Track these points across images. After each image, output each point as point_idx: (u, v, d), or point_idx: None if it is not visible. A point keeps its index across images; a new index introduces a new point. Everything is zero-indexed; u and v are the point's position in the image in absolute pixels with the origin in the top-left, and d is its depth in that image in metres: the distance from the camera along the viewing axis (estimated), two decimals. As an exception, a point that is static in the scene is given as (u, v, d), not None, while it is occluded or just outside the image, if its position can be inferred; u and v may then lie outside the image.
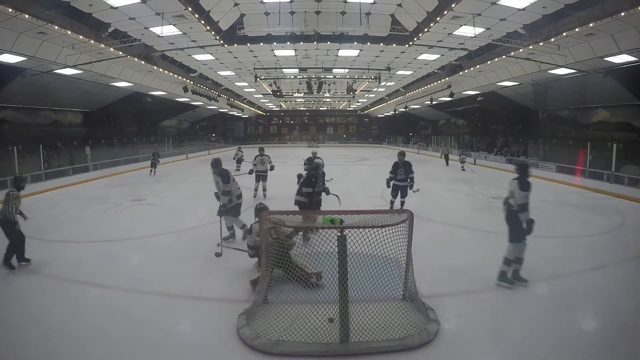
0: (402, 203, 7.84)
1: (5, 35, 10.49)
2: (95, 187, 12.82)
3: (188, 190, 12.23)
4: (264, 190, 10.21)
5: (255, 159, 10.29)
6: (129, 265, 5.42)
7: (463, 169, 17.90)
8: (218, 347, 3.30)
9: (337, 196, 6.67)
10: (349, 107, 43.16)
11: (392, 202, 8.09)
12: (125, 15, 11.31)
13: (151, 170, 15.89)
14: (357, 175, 16.28)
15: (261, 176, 10.17)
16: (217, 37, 13.08)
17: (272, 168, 10.29)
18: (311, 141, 45.35)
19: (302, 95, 26.33)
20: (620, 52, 11.71)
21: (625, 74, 14.00)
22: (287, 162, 24.05)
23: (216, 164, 6.20)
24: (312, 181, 6.27)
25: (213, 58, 17.06)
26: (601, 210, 9.00)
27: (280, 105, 42.07)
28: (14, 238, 5.07)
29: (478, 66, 16.42)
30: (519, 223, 4.33)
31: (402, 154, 8.08)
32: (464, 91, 21.98)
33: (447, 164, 20.94)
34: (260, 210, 4.84)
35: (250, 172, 10.23)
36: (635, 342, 3.37)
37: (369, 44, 14.31)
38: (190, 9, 10.73)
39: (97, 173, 15.58)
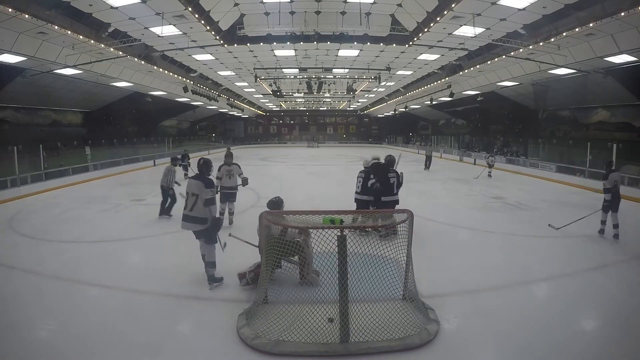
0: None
1: (5, 35, 10.49)
2: (95, 187, 12.82)
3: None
4: (231, 214, 7.25)
5: (219, 170, 7.11)
6: (129, 265, 5.41)
7: (490, 175, 15.24)
8: (218, 347, 3.30)
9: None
10: (349, 107, 43.15)
11: None
12: (125, 15, 11.31)
13: (185, 174, 14.43)
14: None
15: (228, 194, 7.13)
16: (217, 37, 13.08)
17: (244, 182, 7.11)
18: (311, 141, 45.36)
19: (302, 95, 26.34)
20: (620, 52, 11.70)
21: (625, 74, 14.00)
22: (287, 162, 24.13)
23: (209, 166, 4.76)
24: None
25: (213, 58, 17.05)
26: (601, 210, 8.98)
27: (280, 105, 42.05)
28: (171, 199, 8.04)
29: (478, 66, 16.42)
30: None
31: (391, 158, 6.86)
32: (464, 91, 21.97)
33: (428, 167, 18.33)
34: (276, 203, 4.71)
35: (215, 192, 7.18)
36: (636, 342, 3.37)
37: (369, 44, 14.31)
38: (190, 9, 10.73)
39: (97, 173, 15.57)
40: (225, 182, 7.10)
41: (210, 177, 4.72)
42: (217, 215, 4.64)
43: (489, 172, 15.49)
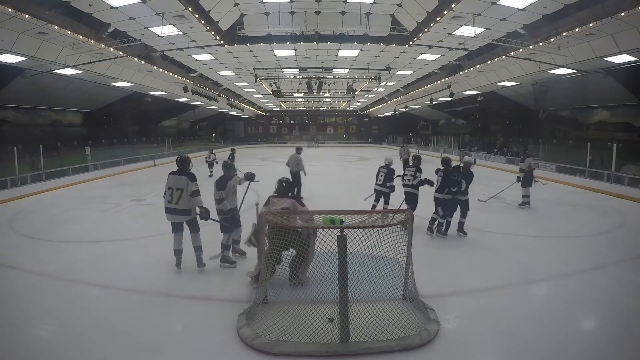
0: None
1: (5, 35, 10.48)
2: (95, 187, 12.82)
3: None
4: (237, 242, 5.37)
5: (224, 188, 5.03)
6: (129, 265, 5.41)
7: (536, 181, 12.69)
8: (218, 347, 3.30)
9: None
10: (349, 107, 43.11)
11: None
12: (125, 15, 11.30)
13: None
14: (357, 175, 16.28)
15: (237, 218, 5.32)
16: (217, 37, 13.07)
17: (251, 178, 5.57)
18: (311, 141, 45.33)
19: (302, 95, 26.32)
20: (620, 52, 11.69)
21: (625, 74, 13.99)
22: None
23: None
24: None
25: (213, 58, 17.05)
26: (601, 210, 9.00)
27: (280, 105, 42.03)
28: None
29: (478, 66, 16.41)
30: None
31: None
32: (464, 91, 21.97)
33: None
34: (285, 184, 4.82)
35: (209, 215, 4.83)
36: (636, 342, 3.38)
37: (369, 44, 14.30)
38: (190, 9, 10.73)
39: (97, 173, 15.56)
40: (232, 201, 5.18)
41: (200, 198, 4.82)
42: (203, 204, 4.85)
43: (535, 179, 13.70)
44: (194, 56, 16.66)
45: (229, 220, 5.11)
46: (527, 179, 9.02)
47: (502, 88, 20.54)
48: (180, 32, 12.80)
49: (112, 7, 10.65)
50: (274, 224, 3.83)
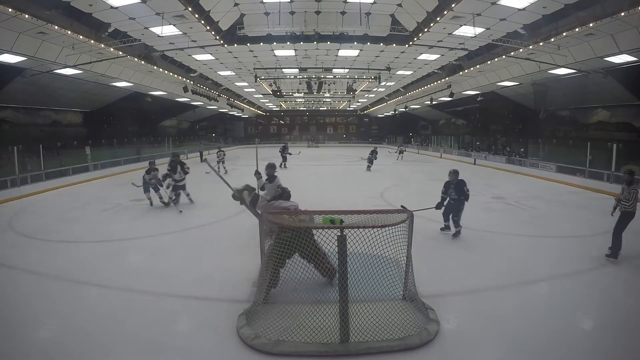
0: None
1: (5, 35, 10.49)
2: (95, 187, 12.82)
3: (188, 190, 12.20)
4: None
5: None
6: (129, 265, 5.42)
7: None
8: (218, 347, 3.31)
9: None
10: (349, 107, 43.11)
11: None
12: (125, 15, 11.31)
13: (282, 164, 17.98)
14: (357, 175, 16.29)
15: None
16: (217, 37, 13.08)
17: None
18: (310, 141, 45.35)
19: (302, 95, 26.33)
20: (620, 52, 11.71)
21: (625, 74, 14.00)
22: (287, 162, 24.07)
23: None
24: None
25: (213, 58, 17.05)
26: (601, 210, 8.99)
27: (280, 105, 42.03)
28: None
29: (478, 66, 16.42)
30: None
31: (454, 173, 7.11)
32: (464, 91, 21.97)
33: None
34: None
35: None
36: (635, 342, 3.38)
37: (369, 44, 14.31)
38: (190, 9, 10.73)
39: (97, 173, 15.57)
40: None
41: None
42: None
43: None
44: (194, 56, 16.66)
45: None
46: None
47: (502, 88, 20.55)
48: (180, 32, 12.81)
49: (112, 7, 10.66)
50: (279, 225, 3.81)
